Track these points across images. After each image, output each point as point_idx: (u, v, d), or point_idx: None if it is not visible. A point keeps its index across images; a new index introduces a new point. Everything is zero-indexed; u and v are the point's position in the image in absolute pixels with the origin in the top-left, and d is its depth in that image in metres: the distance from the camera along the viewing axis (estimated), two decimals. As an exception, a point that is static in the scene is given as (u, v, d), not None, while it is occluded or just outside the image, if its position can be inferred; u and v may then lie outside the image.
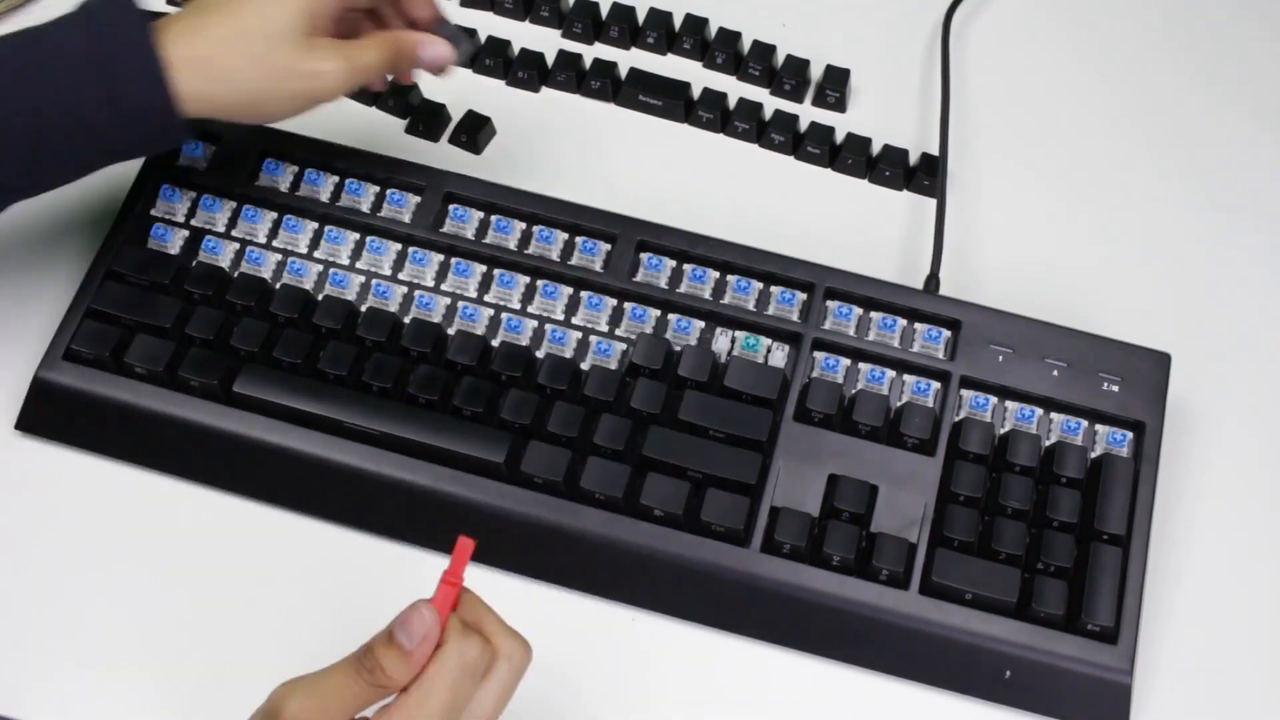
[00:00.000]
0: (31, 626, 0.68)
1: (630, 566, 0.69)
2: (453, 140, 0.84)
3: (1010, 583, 0.67)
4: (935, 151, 0.83)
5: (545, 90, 0.86)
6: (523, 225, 0.76)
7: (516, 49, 0.87)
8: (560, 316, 0.74)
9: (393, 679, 0.55)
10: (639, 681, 0.68)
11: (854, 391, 0.72)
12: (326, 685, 0.55)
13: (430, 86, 0.84)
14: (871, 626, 0.68)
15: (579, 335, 0.74)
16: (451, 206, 0.77)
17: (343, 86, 0.70)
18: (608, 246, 0.76)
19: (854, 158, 0.83)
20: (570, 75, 0.86)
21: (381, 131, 0.84)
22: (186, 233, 0.77)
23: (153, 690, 0.67)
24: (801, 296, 0.74)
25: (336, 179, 0.78)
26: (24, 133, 0.66)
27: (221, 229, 0.77)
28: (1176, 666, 0.69)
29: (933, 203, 0.81)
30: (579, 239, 0.76)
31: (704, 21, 0.88)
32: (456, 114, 0.84)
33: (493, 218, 0.77)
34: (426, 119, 0.84)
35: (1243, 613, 0.70)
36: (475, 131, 0.83)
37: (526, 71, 0.86)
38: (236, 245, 0.76)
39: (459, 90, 0.85)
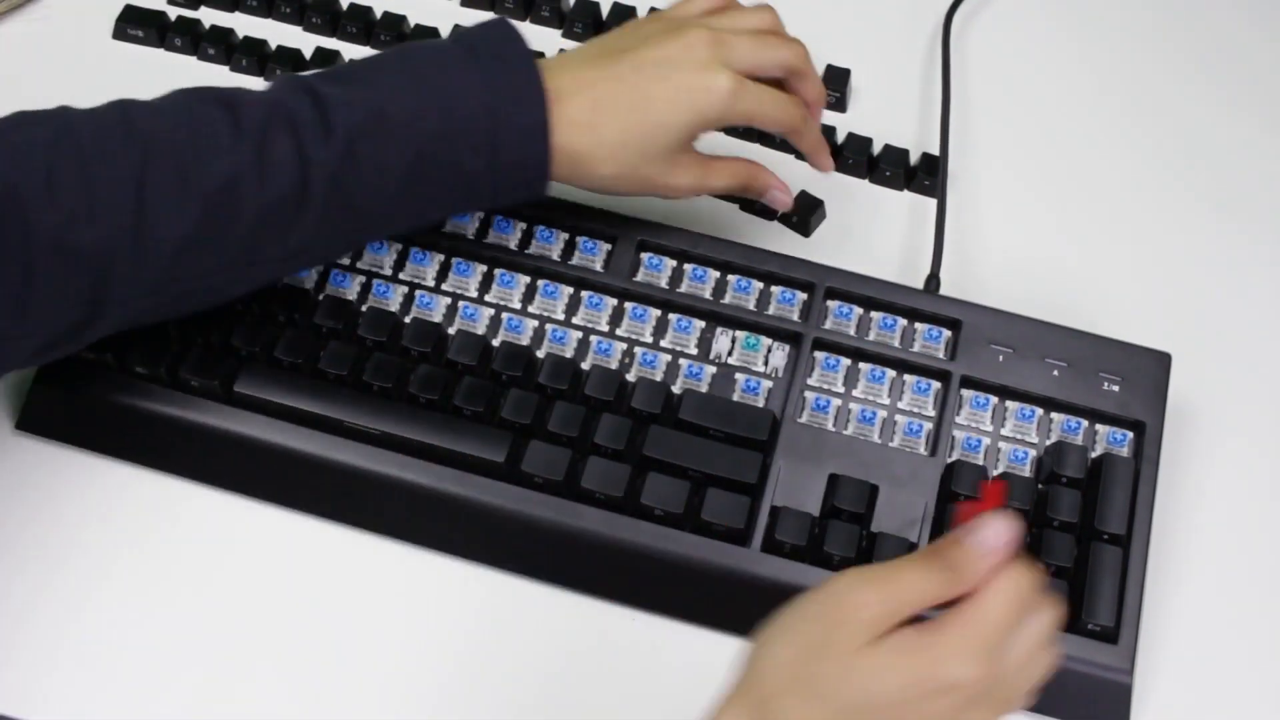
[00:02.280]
0: (32, 626, 0.69)
1: (631, 566, 0.69)
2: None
3: (1011, 582, 0.67)
4: (936, 151, 0.83)
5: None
6: (523, 225, 0.76)
7: (517, 49, 0.87)
8: (561, 316, 0.74)
9: (964, 578, 0.55)
10: (639, 681, 0.68)
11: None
12: (895, 577, 0.55)
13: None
14: (872, 626, 0.68)
15: (579, 335, 0.74)
16: (452, 206, 0.77)
17: (686, 197, 0.73)
18: (608, 246, 0.76)
19: (855, 157, 0.83)
20: (571, 75, 0.86)
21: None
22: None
23: (153, 690, 0.67)
24: (802, 296, 0.74)
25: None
26: (404, 172, 0.66)
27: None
28: (1177, 666, 0.69)
29: (933, 202, 0.81)
30: (579, 239, 0.76)
31: (704, 21, 0.88)
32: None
33: (493, 217, 0.76)
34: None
35: (1243, 612, 0.70)
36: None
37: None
38: (237, 245, 0.76)
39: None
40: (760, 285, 0.75)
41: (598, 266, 0.75)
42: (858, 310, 0.74)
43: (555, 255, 0.76)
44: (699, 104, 0.69)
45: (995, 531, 0.55)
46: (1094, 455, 0.71)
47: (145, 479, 0.72)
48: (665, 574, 0.69)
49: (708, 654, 0.68)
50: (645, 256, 0.76)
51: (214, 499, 0.72)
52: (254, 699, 0.67)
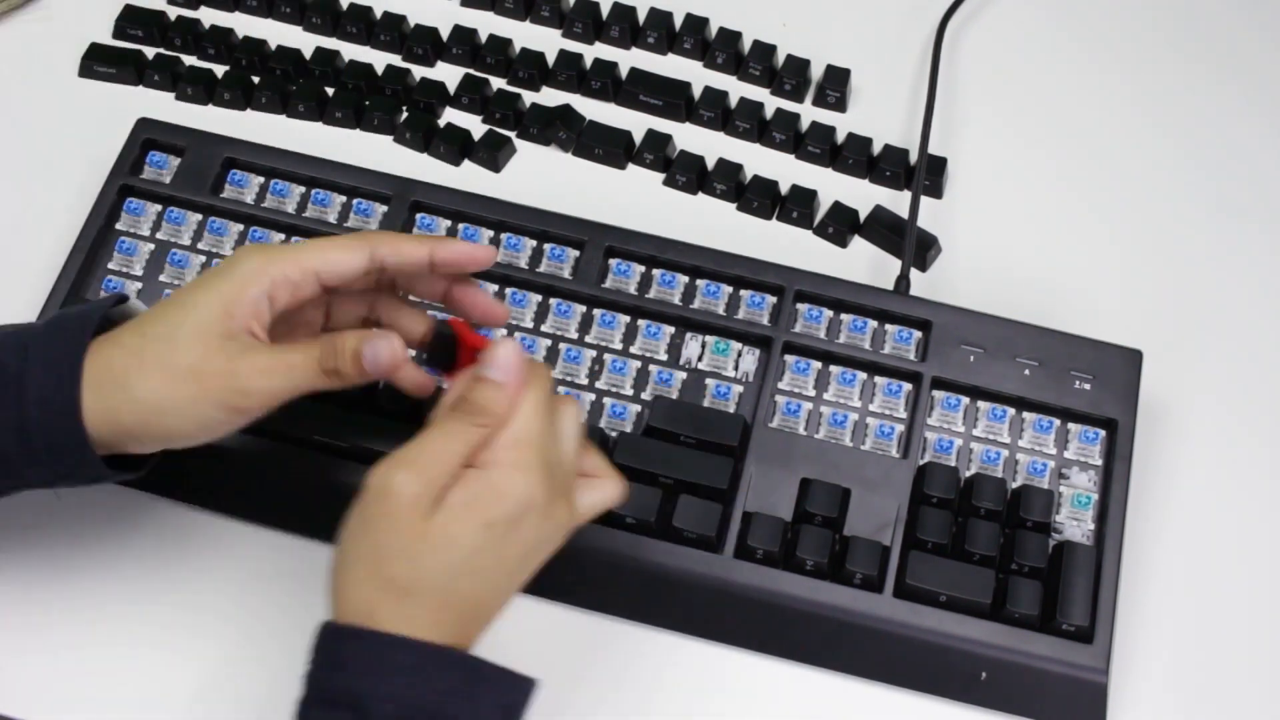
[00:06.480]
0: (32, 626, 0.68)
1: (603, 575, 0.69)
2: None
3: (984, 584, 0.67)
4: (935, 151, 0.83)
5: (546, 90, 0.86)
6: (490, 233, 0.76)
7: (517, 49, 0.87)
8: (529, 324, 0.74)
9: (493, 412, 0.55)
10: (612, 689, 0.68)
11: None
12: (424, 449, 0.55)
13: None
14: (846, 630, 0.67)
15: (548, 343, 0.73)
16: (418, 215, 0.76)
17: (272, 392, 0.58)
18: (576, 253, 0.75)
19: (854, 157, 0.83)
20: (571, 75, 0.86)
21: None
22: (152, 246, 0.76)
23: (154, 690, 0.67)
24: (771, 300, 0.74)
25: (303, 189, 0.78)
26: None
27: (187, 242, 0.76)
28: (1152, 665, 0.69)
29: (934, 202, 0.82)
30: (547, 245, 0.76)
31: (704, 21, 0.87)
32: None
33: (460, 225, 0.76)
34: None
35: (1217, 609, 0.70)
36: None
37: (527, 71, 0.86)
38: (203, 259, 0.76)
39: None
40: (729, 289, 0.74)
41: (566, 273, 0.75)
42: (828, 313, 0.74)
43: (523, 263, 0.75)
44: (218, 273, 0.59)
45: (506, 353, 0.57)
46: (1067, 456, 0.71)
47: (126, 495, 0.72)
48: (638, 582, 0.68)
49: (683, 661, 0.68)
50: (614, 262, 0.75)
51: (190, 515, 0.71)
52: (245, 699, 0.67)
